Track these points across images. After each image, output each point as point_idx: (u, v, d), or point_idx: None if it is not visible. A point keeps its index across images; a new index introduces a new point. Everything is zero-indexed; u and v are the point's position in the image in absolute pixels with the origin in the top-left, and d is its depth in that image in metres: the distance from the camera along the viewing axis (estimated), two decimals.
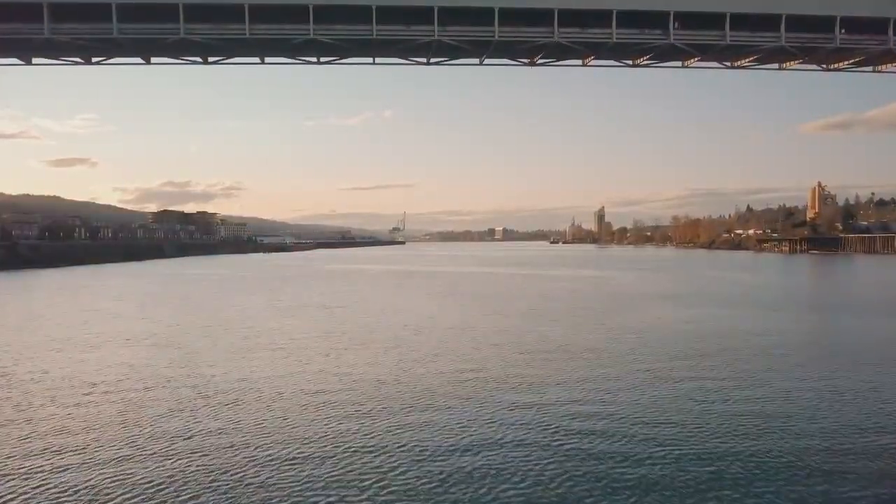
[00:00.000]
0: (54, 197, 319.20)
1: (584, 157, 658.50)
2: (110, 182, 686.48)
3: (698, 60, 61.58)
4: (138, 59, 57.23)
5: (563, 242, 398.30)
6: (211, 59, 58.09)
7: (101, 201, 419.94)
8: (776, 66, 64.72)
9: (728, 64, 63.87)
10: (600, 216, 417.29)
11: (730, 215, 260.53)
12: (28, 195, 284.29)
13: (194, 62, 58.28)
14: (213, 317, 34.19)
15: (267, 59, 59.46)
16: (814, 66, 64.49)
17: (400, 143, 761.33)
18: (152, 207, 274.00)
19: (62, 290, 56.06)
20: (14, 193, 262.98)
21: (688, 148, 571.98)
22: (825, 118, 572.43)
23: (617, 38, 53.78)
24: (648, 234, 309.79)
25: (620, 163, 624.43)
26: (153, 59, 57.86)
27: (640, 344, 24.30)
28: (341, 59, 59.02)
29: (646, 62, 61.67)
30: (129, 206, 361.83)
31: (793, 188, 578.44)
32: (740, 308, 37.40)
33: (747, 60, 62.79)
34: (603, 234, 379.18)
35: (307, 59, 58.59)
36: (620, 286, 56.66)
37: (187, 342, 25.21)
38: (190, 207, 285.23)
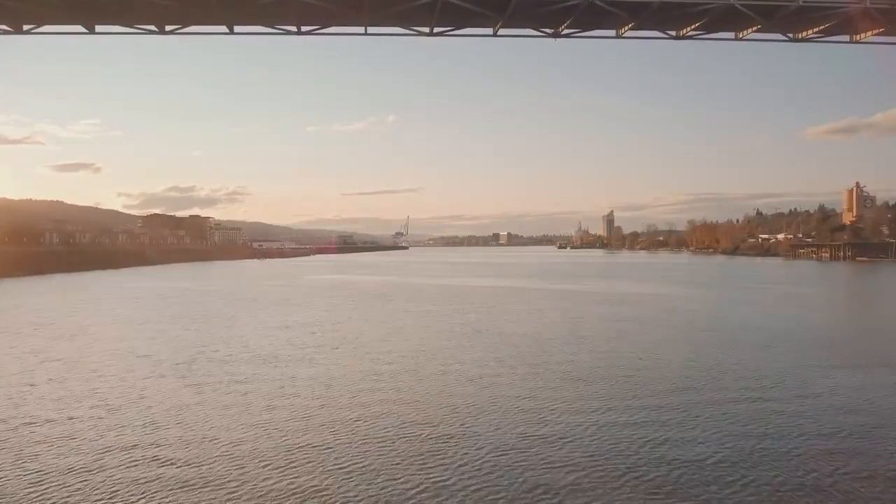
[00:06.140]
0: (57, 202, 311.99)
1: (587, 161, 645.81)
2: (114, 187, 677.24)
3: (757, 30, 51.30)
4: (80, 28, 47.21)
5: (571, 247, 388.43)
6: (168, 28, 47.76)
7: (105, 206, 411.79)
8: (847, 38, 54.38)
9: (791, 36, 53.49)
10: (609, 220, 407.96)
11: (738, 220, 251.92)
12: (31, 200, 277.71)
13: (149, 31, 47.77)
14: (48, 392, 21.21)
15: (236, 29, 49.03)
16: (893, 39, 54.18)
17: (403, 147, 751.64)
18: (157, 212, 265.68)
19: None
20: (16, 198, 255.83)
21: (690, 152, 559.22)
22: (830, 123, 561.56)
23: None
24: (661, 238, 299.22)
25: (622, 166, 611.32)
26: (98, 28, 47.80)
27: None
28: (325, 27, 48.90)
29: (692, 32, 51.23)
30: (134, 211, 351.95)
31: (800, 192, 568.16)
32: None
33: (814, 31, 52.48)
34: (613, 238, 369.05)
35: (285, 27, 48.38)
36: (697, 314, 40.56)
37: None
38: (194, 212, 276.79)
